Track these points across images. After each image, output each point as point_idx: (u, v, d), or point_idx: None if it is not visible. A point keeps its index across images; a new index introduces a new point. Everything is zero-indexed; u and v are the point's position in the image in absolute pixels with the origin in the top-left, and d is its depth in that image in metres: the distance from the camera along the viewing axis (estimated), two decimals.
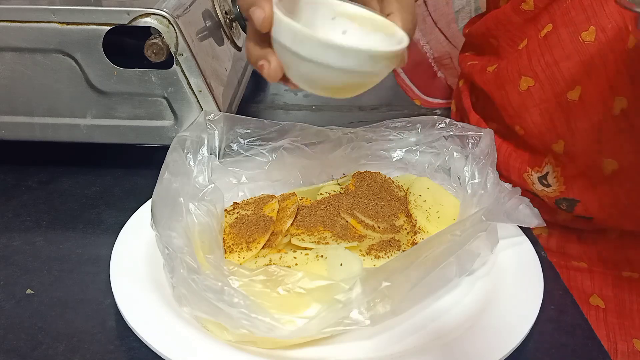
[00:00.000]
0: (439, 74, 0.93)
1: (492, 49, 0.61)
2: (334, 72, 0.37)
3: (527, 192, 0.59)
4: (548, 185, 0.55)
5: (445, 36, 0.90)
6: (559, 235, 0.60)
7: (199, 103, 0.57)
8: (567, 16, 0.50)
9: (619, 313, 0.56)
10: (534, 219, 0.48)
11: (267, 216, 0.47)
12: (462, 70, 0.71)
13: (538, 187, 0.56)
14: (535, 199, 0.59)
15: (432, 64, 0.92)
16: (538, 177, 0.56)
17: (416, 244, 0.46)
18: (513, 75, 0.55)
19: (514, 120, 0.57)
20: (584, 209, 0.54)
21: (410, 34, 0.41)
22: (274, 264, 0.42)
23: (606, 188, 0.53)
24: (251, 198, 0.53)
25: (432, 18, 0.90)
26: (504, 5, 0.57)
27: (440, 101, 0.93)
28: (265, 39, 0.39)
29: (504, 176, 0.61)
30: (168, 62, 0.54)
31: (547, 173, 0.55)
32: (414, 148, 0.56)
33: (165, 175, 0.45)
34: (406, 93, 0.93)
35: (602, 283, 0.57)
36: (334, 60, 0.37)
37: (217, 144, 0.52)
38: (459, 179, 0.52)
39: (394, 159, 0.56)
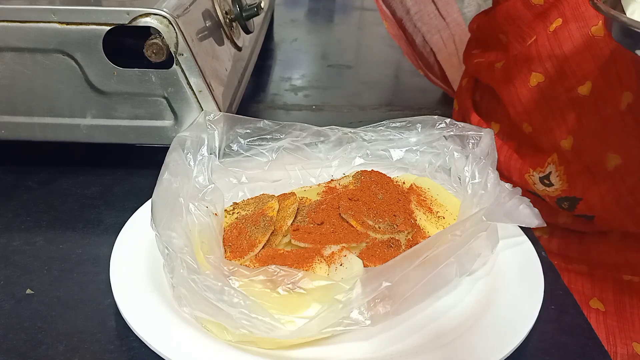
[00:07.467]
0: (428, 48, 0.90)
1: (501, 45, 0.60)
2: None
3: (528, 193, 0.59)
4: (550, 185, 0.55)
5: (436, 7, 0.87)
6: (560, 238, 0.60)
7: (199, 103, 0.57)
8: (576, 11, 0.50)
9: (619, 316, 0.56)
10: (534, 219, 0.47)
11: (267, 216, 0.47)
12: (466, 69, 0.70)
13: (539, 187, 0.56)
14: (537, 200, 0.58)
15: (423, 39, 0.90)
16: (539, 177, 0.56)
17: (416, 244, 0.46)
18: (522, 71, 0.55)
19: (521, 117, 0.56)
20: (586, 207, 0.54)
21: None
22: (274, 263, 0.42)
23: (609, 184, 0.52)
24: (251, 198, 0.53)
25: None
26: None
27: (439, 82, 0.91)
28: None
29: (504, 177, 0.61)
30: (168, 62, 0.54)
31: (550, 173, 0.55)
32: (414, 148, 0.56)
33: (165, 175, 0.45)
34: (412, 63, 0.91)
35: (602, 286, 0.57)
36: None
37: (217, 144, 0.52)
38: (459, 179, 0.52)
39: (394, 159, 0.56)
